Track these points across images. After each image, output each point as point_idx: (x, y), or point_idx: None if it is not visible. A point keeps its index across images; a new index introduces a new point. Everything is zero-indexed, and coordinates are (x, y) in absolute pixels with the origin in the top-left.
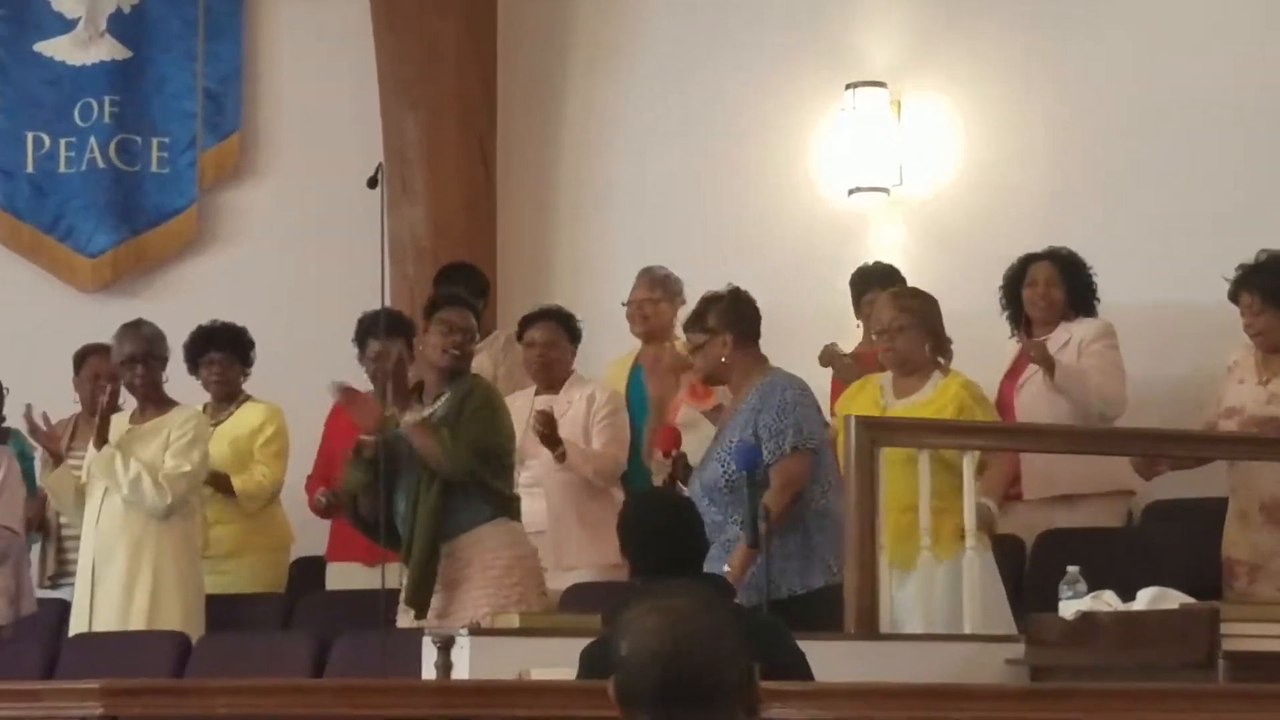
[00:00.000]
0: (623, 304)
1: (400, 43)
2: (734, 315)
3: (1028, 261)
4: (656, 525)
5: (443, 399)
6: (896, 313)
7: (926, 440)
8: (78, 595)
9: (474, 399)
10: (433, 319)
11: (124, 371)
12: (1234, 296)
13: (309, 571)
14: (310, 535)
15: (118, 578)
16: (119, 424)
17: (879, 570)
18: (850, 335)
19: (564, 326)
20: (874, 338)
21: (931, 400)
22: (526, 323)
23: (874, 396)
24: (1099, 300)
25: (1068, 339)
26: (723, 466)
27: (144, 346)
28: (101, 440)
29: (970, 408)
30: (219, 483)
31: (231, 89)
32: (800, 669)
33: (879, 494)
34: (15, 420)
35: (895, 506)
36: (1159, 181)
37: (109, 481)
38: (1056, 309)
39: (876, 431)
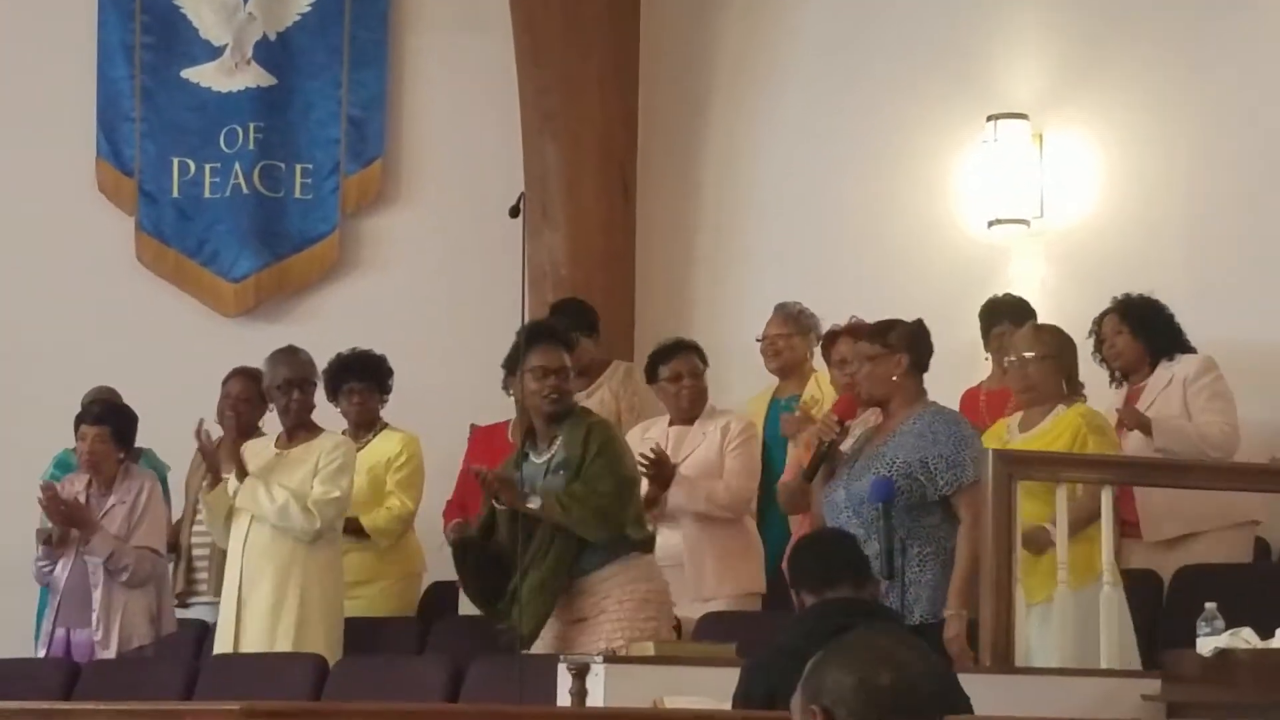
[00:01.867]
0: (757, 339)
1: (543, 75)
2: (915, 340)
3: (1101, 319)
4: (833, 553)
5: (558, 441)
6: (1035, 343)
7: (1063, 474)
8: (223, 616)
9: (591, 445)
10: (524, 365)
11: (278, 396)
12: None
13: (442, 596)
14: (445, 560)
15: (264, 600)
16: (262, 449)
17: (1015, 604)
18: (985, 368)
19: (701, 357)
20: (1005, 362)
21: (1047, 431)
22: (664, 356)
23: (999, 435)
24: (1186, 337)
25: (1170, 378)
26: None
27: (301, 371)
28: (241, 471)
29: (1084, 435)
30: (350, 526)
31: (375, 116)
32: (965, 706)
33: (1016, 528)
34: (154, 436)
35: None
36: None
37: (254, 510)
38: (1129, 356)
39: (1014, 465)
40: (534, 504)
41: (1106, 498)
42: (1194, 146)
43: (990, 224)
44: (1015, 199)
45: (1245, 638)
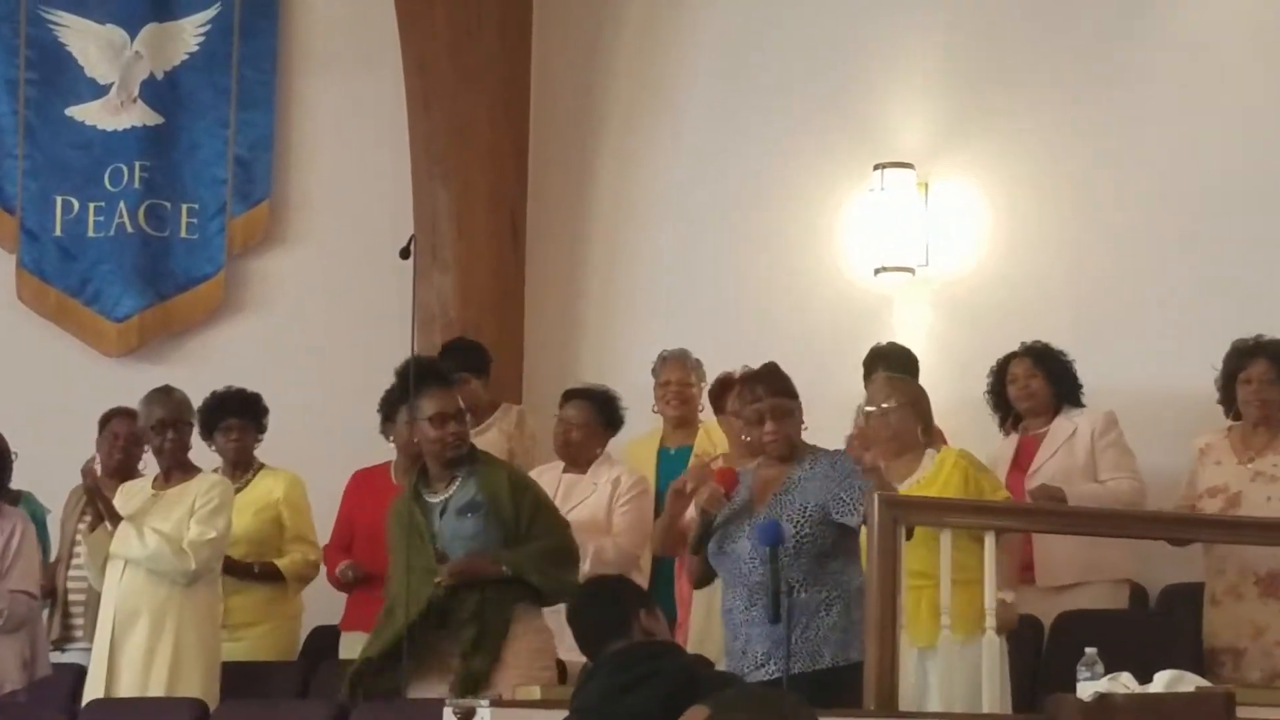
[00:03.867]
0: (664, 384)
1: (434, 118)
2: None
3: (1006, 360)
4: (586, 609)
5: (457, 483)
6: (893, 392)
7: (948, 519)
8: (95, 660)
9: (524, 499)
10: (420, 410)
11: (153, 436)
12: (1234, 372)
13: (323, 640)
14: (323, 604)
15: (139, 644)
16: (138, 490)
17: (899, 648)
18: None
19: (600, 409)
20: (866, 410)
21: (934, 476)
22: (567, 397)
23: None
24: (1083, 388)
25: (1073, 429)
26: (795, 528)
27: (175, 411)
28: (114, 517)
29: (974, 475)
30: (266, 573)
31: (262, 157)
32: None
33: (900, 572)
34: (32, 476)
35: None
36: (1177, 266)
37: (127, 554)
38: (1040, 399)
39: (899, 510)
40: (507, 570)
41: (989, 543)
42: (1076, 195)
43: (876, 271)
44: (901, 247)
45: (1124, 683)
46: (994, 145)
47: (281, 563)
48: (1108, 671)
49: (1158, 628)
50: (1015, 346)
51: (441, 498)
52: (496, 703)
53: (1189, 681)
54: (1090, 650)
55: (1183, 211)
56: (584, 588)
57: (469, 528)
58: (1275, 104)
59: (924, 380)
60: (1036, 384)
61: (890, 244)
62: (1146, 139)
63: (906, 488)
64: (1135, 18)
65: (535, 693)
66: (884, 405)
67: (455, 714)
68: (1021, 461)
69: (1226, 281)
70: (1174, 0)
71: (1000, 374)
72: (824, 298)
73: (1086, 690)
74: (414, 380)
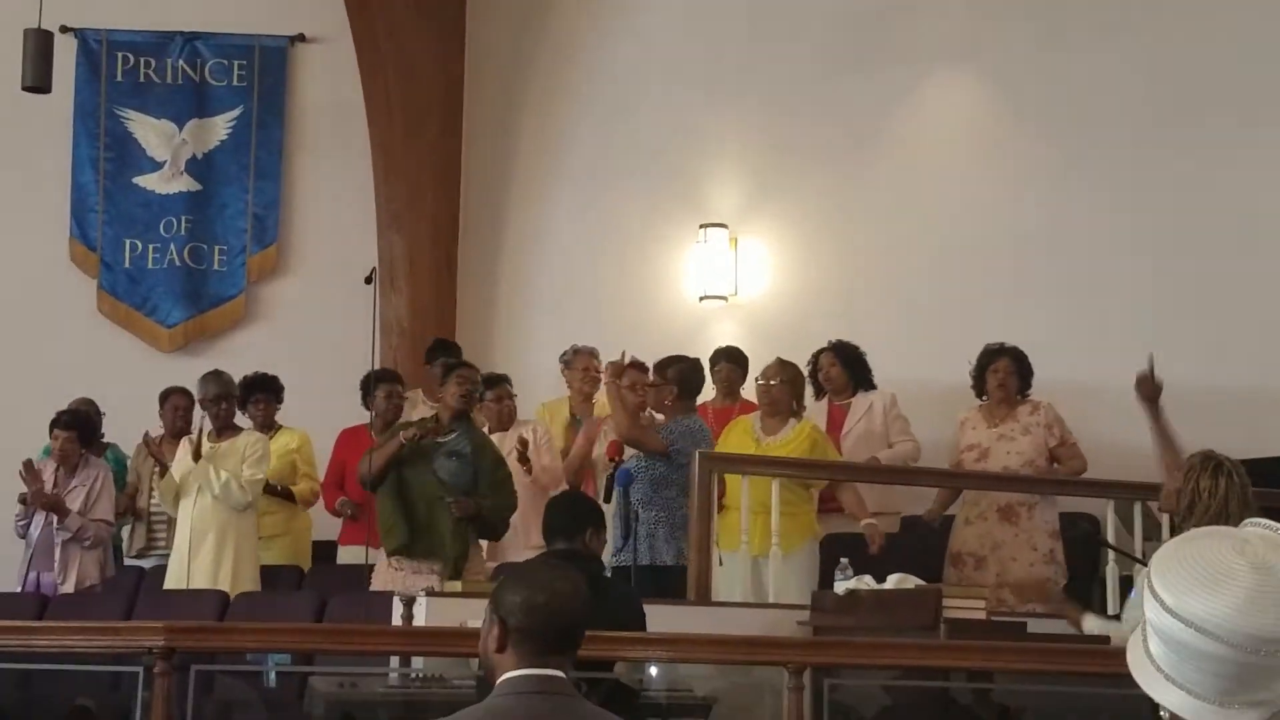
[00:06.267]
0: (584, 370)
1: (392, 186)
2: (684, 377)
3: (819, 354)
4: (555, 511)
5: (455, 434)
6: (780, 369)
7: (747, 469)
8: (175, 565)
9: (487, 455)
10: (452, 374)
11: (210, 406)
12: (985, 366)
13: (323, 551)
14: (327, 523)
15: (210, 553)
16: (203, 443)
17: (712, 559)
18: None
19: (510, 384)
20: (758, 380)
21: (792, 439)
22: (490, 384)
23: (748, 430)
24: (873, 374)
25: (869, 405)
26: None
27: (226, 389)
28: (197, 455)
29: (820, 443)
30: (286, 494)
31: (272, 213)
32: (639, 625)
33: (714, 507)
34: (112, 435)
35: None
36: (925, 293)
37: (205, 485)
38: (838, 382)
39: (713, 463)
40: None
41: (775, 487)
42: (845, 242)
43: (700, 298)
44: (717, 282)
45: (866, 582)
46: (786, 206)
47: (295, 489)
48: (856, 575)
49: (896, 545)
50: (800, 352)
51: (443, 440)
52: (431, 593)
53: (911, 581)
54: (844, 560)
55: (927, 252)
56: (564, 496)
57: (451, 467)
58: (991, 177)
59: None
60: (835, 371)
61: (710, 280)
62: (900, 201)
63: (771, 443)
64: (889, 109)
65: (458, 586)
66: (772, 381)
67: (401, 601)
68: (835, 423)
69: (967, 301)
70: (917, 99)
71: (815, 362)
72: (663, 314)
73: (840, 587)
74: (449, 363)
